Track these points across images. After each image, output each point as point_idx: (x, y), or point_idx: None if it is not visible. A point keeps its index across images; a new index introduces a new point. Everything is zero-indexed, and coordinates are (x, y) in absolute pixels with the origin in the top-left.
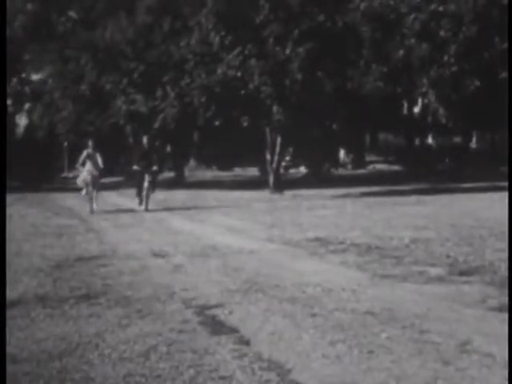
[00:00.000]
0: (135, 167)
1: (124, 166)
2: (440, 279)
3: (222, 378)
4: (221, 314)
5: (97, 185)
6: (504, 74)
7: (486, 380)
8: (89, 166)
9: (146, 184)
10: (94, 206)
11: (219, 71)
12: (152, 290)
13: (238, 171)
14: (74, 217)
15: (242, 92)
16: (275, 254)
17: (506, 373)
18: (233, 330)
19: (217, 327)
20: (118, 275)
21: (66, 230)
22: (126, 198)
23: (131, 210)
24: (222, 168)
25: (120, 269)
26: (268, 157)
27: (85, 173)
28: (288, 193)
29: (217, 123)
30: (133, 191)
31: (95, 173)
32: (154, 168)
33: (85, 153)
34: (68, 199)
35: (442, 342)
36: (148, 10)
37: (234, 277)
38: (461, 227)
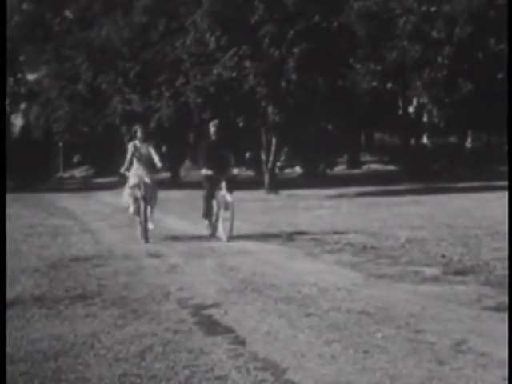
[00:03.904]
0: (204, 171)
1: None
2: (435, 279)
3: (218, 377)
4: (216, 313)
5: (153, 198)
6: (500, 75)
7: (482, 380)
8: (138, 168)
9: (223, 196)
10: (150, 226)
11: (214, 72)
12: (148, 290)
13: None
14: (69, 217)
15: (238, 92)
16: (271, 254)
17: (501, 372)
18: (228, 330)
19: (212, 327)
20: (113, 275)
21: (62, 231)
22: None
23: (199, 238)
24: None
25: (115, 269)
26: (263, 157)
27: (132, 180)
28: (283, 193)
29: None
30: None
31: (148, 180)
32: (234, 170)
33: (131, 147)
34: (64, 199)
35: (437, 341)
36: (144, 10)
37: (230, 277)
38: (456, 227)
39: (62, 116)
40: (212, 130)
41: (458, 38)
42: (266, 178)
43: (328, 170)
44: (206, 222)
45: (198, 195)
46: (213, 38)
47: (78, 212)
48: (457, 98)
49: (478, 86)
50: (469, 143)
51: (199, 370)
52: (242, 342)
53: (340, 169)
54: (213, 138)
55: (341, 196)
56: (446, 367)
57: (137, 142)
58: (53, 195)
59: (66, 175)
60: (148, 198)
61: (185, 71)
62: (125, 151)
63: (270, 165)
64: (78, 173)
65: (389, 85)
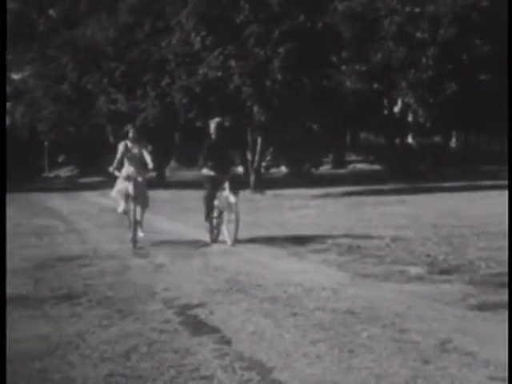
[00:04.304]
0: (205, 171)
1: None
2: (420, 278)
3: (204, 377)
4: (202, 313)
5: (143, 199)
6: (483, 76)
7: (466, 379)
8: (129, 167)
9: (227, 197)
10: (140, 233)
11: (200, 72)
12: (133, 290)
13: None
14: (55, 217)
15: (223, 92)
16: (257, 254)
17: (485, 371)
18: (214, 330)
19: (198, 327)
20: (99, 275)
21: (48, 231)
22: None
23: (197, 242)
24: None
25: (101, 269)
26: (249, 157)
27: (122, 179)
28: (269, 192)
29: (198, 124)
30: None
31: (140, 179)
32: (238, 169)
33: (121, 147)
34: (50, 199)
35: (422, 340)
36: (129, 9)
37: (216, 276)
38: (441, 226)
39: (46, 116)
40: (212, 128)
41: (442, 39)
42: (252, 178)
43: (313, 170)
44: (207, 225)
45: (185, 195)
46: (198, 38)
47: (64, 212)
48: (441, 99)
49: (462, 87)
50: (453, 143)
51: (185, 369)
52: (228, 342)
53: (325, 168)
54: (213, 136)
55: (326, 196)
56: (431, 366)
57: (128, 142)
58: (39, 195)
59: (52, 175)
60: (139, 197)
61: (170, 71)
62: (110, 151)
63: (255, 165)
64: (64, 173)
65: (374, 85)
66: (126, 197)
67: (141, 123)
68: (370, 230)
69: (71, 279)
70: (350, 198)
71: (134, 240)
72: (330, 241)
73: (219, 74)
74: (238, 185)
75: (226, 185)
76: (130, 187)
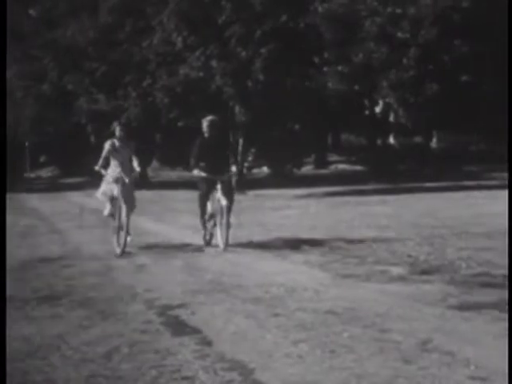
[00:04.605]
0: (196, 172)
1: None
2: (401, 278)
3: (185, 378)
4: (184, 314)
5: (130, 201)
6: (465, 77)
7: (446, 378)
8: (115, 168)
9: (218, 199)
10: (128, 238)
11: (181, 72)
12: (115, 290)
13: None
14: (37, 217)
15: (205, 92)
16: (239, 254)
17: (465, 371)
18: (195, 331)
19: (179, 328)
20: (81, 276)
21: (30, 231)
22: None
23: (187, 246)
24: (186, 168)
25: (83, 270)
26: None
27: (107, 180)
28: (251, 193)
29: (180, 124)
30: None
31: (127, 180)
32: (232, 170)
33: (108, 145)
34: (32, 200)
35: (403, 340)
36: (110, 10)
37: (198, 277)
38: (422, 226)
39: (27, 115)
40: (205, 126)
41: (423, 40)
42: (234, 179)
43: (295, 170)
44: (203, 230)
45: (168, 196)
46: (180, 38)
47: (46, 212)
48: (422, 99)
49: (443, 87)
50: (434, 143)
51: (166, 370)
52: (209, 343)
53: (307, 169)
54: (206, 135)
55: (308, 196)
56: (412, 366)
57: (115, 141)
58: (20, 196)
59: (33, 175)
60: (126, 200)
61: (152, 71)
62: (91, 151)
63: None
64: (45, 173)
65: (356, 86)
66: (112, 199)
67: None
68: (352, 231)
69: (53, 280)
70: (332, 199)
71: (124, 245)
72: (312, 241)
73: (201, 74)
74: (231, 186)
75: (219, 187)
76: (117, 189)
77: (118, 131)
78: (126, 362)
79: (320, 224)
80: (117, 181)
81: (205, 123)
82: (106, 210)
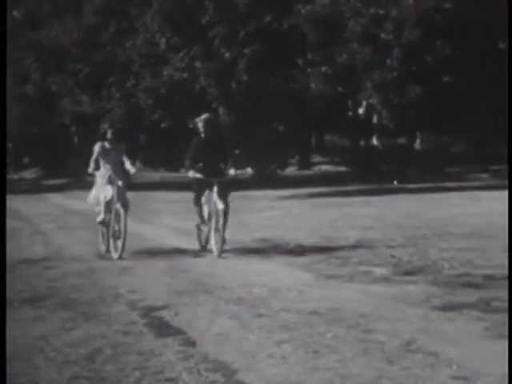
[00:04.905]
0: (191, 173)
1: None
2: (385, 279)
3: (168, 379)
4: (167, 315)
5: (126, 205)
6: (447, 78)
7: (430, 379)
8: (106, 171)
9: (215, 202)
10: (118, 244)
11: (165, 73)
12: (98, 292)
13: (183, 172)
14: (20, 219)
15: (189, 93)
16: (223, 255)
17: (448, 371)
18: (179, 332)
19: (163, 329)
20: (63, 278)
21: (13, 233)
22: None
23: (184, 252)
24: (169, 169)
25: (66, 271)
26: None
27: (99, 184)
28: (235, 194)
29: (163, 125)
30: (81, 193)
31: (120, 184)
32: (230, 172)
33: (98, 148)
34: (15, 201)
35: (387, 341)
36: (94, 11)
37: (181, 278)
38: (405, 227)
39: (11, 117)
40: (200, 125)
41: (406, 41)
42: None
43: (279, 171)
44: (197, 233)
45: (153, 197)
46: (163, 39)
47: (29, 214)
48: (406, 100)
49: (426, 88)
50: (417, 144)
51: (149, 371)
52: (193, 344)
53: (291, 170)
54: (202, 135)
55: (292, 197)
56: (396, 366)
57: (106, 144)
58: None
59: (16, 177)
60: (122, 203)
61: (135, 72)
62: (75, 153)
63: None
64: (28, 174)
65: (339, 87)
66: (106, 204)
67: (106, 124)
68: (336, 231)
69: (35, 281)
70: (316, 200)
71: (122, 249)
72: (295, 242)
73: (184, 75)
74: (228, 189)
75: (215, 189)
76: (111, 193)
77: (109, 133)
78: (109, 364)
79: (304, 225)
80: (111, 183)
81: (200, 122)
82: (100, 217)
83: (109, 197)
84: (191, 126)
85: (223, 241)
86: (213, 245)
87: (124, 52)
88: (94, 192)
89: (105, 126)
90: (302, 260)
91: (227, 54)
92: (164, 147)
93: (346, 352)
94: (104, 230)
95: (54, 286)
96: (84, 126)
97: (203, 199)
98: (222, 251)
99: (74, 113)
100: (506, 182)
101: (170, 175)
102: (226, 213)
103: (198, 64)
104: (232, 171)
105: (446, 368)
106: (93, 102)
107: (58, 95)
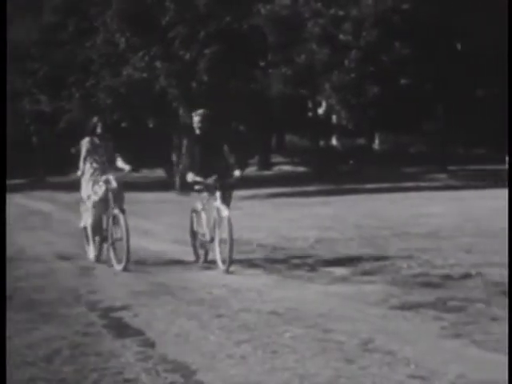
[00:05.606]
0: (190, 176)
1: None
2: (344, 279)
3: (127, 380)
4: (126, 316)
5: (122, 203)
6: (404, 79)
7: (387, 378)
8: (94, 171)
9: (218, 209)
10: (119, 253)
11: (125, 73)
12: (58, 293)
13: (145, 172)
14: None
15: (149, 93)
16: (182, 256)
17: (405, 370)
18: (138, 333)
19: (122, 330)
20: (24, 278)
21: None
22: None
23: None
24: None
25: (27, 272)
26: (174, 158)
27: (89, 185)
28: (195, 194)
29: (123, 125)
30: (42, 194)
31: (115, 184)
32: (235, 174)
33: (87, 144)
34: None
35: (345, 340)
36: (54, 10)
37: (142, 279)
38: (364, 227)
39: None
40: (196, 121)
41: (364, 42)
42: (177, 180)
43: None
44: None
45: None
46: (123, 39)
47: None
48: (364, 101)
49: (384, 89)
50: (376, 145)
51: (108, 372)
52: (152, 345)
53: (251, 170)
54: (197, 131)
55: (252, 197)
56: (354, 366)
57: (95, 139)
58: None
59: None
60: (118, 203)
61: (95, 72)
62: (33, 152)
63: (181, 166)
64: None
65: (299, 88)
66: (101, 205)
67: (65, 124)
68: (296, 231)
69: None
70: (276, 200)
71: (127, 256)
72: (255, 242)
73: (144, 74)
74: (230, 194)
75: (218, 194)
76: (100, 193)
77: (99, 128)
78: (67, 365)
79: (264, 225)
80: (109, 182)
81: (196, 118)
82: (83, 221)
83: (97, 198)
84: (151, 125)
85: (231, 253)
86: (217, 258)
87: (84, 51)
88: (86, 190)
89: (94, 119)
90: (261, 260)
91: (187, 55)
92: (123, 147)
93: (305, 352)
94: (90, 235)
95: (15, 287)
96: (43, 125)
97: (199, 206)
98: (230, 265)
99: (32, 112)
100: (463, 183)
101: (134, 175)
102: (230, 221)
103: (158, 64)
104: (237, 172)
105: (403, 367)
106: (52, 101)
107: (17, 95)
